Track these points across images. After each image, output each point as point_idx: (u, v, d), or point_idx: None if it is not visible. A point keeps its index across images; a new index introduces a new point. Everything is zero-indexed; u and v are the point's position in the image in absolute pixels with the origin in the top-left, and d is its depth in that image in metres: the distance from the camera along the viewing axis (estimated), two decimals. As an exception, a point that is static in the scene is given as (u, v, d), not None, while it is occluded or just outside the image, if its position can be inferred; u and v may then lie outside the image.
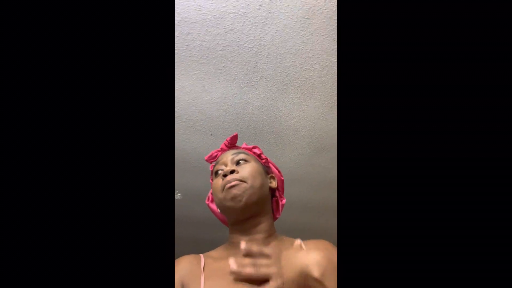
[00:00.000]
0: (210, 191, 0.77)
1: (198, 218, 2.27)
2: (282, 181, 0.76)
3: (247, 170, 0.65)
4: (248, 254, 0.49)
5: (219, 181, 0.66)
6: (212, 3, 0.98)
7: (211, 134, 1.52)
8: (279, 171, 0.76)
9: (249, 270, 0.47)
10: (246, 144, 0.77)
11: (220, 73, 1.21)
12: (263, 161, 0.74)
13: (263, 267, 0.48)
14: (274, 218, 0.74)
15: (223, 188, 0.64)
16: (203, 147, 1.59)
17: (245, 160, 0.68)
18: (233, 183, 0.62)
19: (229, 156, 0.69)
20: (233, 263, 0.48)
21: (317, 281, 0.46)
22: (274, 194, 0.73)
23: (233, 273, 0.46)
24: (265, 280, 0.48)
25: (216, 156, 0.75)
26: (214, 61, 1.16)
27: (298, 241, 0.57)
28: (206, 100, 1.33)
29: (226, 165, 0.68)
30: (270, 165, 0.75)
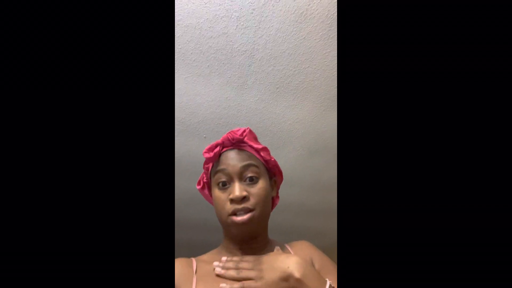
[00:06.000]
0: (202, 175, 0.68)
1: (192, 221, 2.26)
2: (281, 181, 0.71)
3: (258, 194, 0.58)
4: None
5: (224, 201, 0.58)
6: (205, 7, 0.98)
7: (204, 137, 1.52)
8: (280, 172, 0.70)
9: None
10: (249, 136, 0.63)
11: (214, 76, 1.21)
12: (270, 166, 0.66)
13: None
14: None
15: (229, 214, 0.57)
16: (197, 150, 1.58)
17: (256, 177, 0.59)
18: (242, 219, 0.56)
19: (236, 166, 0.59)
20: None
21: (299, 281, 0.48)
22: None
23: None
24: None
25: (217, 153, 0.62)
26: (208, 64, 1.16)
27: (277, 247, 0.60)
28: (199, 103, 1.33)
29: (231, 178, 0.59)
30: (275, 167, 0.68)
